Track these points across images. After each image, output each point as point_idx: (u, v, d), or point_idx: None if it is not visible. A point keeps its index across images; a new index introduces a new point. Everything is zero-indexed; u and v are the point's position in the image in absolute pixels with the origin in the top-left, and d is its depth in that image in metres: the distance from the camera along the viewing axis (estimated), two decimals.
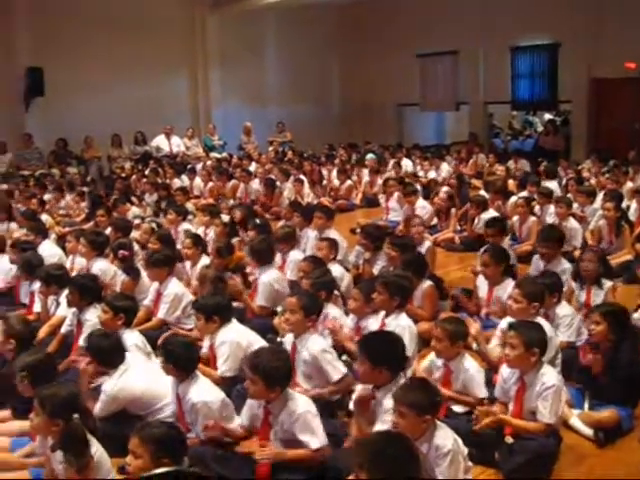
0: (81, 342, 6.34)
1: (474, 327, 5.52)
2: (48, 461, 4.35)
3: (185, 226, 10.00)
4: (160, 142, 19.08)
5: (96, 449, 4.12)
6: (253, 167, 16.73)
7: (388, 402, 4.34)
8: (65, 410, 4.09)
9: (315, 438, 4.44)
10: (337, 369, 5.38)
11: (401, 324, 5.73)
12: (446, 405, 4.97)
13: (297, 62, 22.32)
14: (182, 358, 4.90)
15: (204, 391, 4.90)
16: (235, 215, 10.12)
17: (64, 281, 6.95)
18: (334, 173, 15.76)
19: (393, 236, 8.58)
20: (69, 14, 18.24)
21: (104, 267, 7.95)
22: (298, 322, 5.45)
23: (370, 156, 17.46)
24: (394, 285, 5.92)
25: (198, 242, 8.22)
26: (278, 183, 14.25)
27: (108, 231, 9.25)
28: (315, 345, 5.40)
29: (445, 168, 16.17)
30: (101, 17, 18.59)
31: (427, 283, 7.06)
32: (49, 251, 8.90)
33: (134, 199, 13.33)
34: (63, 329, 6.72)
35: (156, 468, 3.66)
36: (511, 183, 13.80)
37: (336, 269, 7.43)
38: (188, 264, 8.19)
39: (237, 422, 4.89)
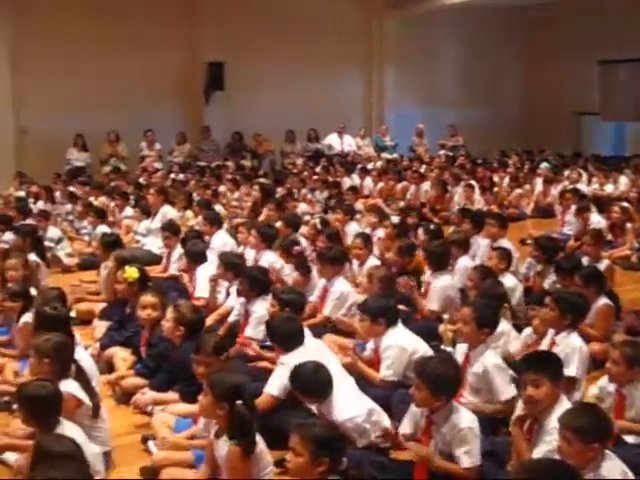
0: (247, 332, 6.46)
1: None
2: (210, 447, 4.41)
3: (352, 226, 9.97)
4: (332, 140, 19.26)
5: (258, 439, 4.17)
6: (423, 170, 16.57)
7: (550, 424, 4.15)
8: (230, 395, 4.17)
9: (468, 457, 4.29)
10: (508, 389, 5.16)
11: (572, 344, 5.42)
12: (617, 435, 4.67)
13: (472, 65, 21.96)
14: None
15: None
16: (406, 217, 10.01)
17: (241, 270, 7.08)
18: (506, 180, 15.36)
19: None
20: (251, 12, 18.75)
21: (272, 260, 8.06)
22: (471, 333, 5.28)
23: (544, 165, 16.92)
24: (566, 302, 5.60)
25: (367, 242, 8.18)
26: (449, 187, 14.03)
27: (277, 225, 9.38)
28: (489, 359, 5.22)
29: (623, 181, 15.39)
30: (281, 16, 18.99)
31: (603, 301, 6.64)
32: (222, 241, 9.13)
33: (304, 195, 13.47)
34: (231, 318, 6.87)
35: (316, 467, 3.66)
36: None
37: (509, 280, 7.18)
38: (355, 264, 8.16)
39: None
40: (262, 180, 15.05)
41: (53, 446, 3.66)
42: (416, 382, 4.44)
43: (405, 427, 4.69)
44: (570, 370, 5.16)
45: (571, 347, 5.35)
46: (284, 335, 5.41)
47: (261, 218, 11.32)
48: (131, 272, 6.73)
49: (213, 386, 4.26)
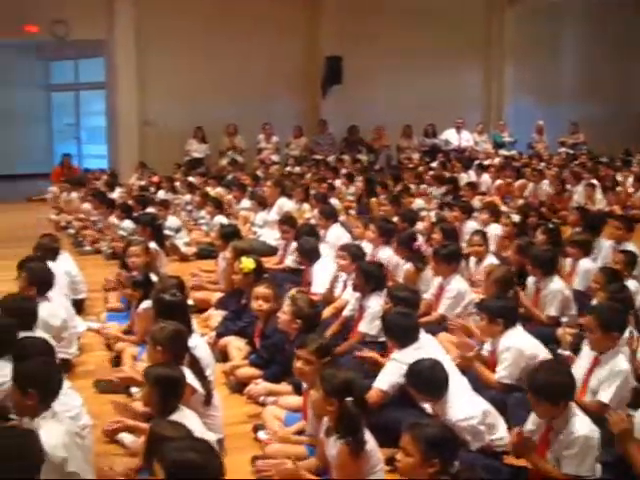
0: (361, 328, 6.42)
1: None
2: (321, 445, 4.40)
3: (470, 223, 9.77)
4: (450, 136, 19.03)
5: (368, 437, 4.13)
6: (541, 167, 16.14)
7: None
8: (341, 391, 4.14)
9: (576, 466, 4.14)
10: (608, 395, 4.90)
11: None
12: None
13: (595, 59, 21.35)
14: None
15: None
16: (527, 216, 9.76)
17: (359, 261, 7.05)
18: (629, 180, 14.80)
19: None
20: (371, 5, 18.70)
21: (389, 255, 7.99)
22: (598, 340, 5.08)
23: None
24: None
25: (485, 240, 8.00)
26: (569, 186, 13.62)
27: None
28: (621, 364, 5.01)
29: None
30: (400, 9, 18.95)
31: None
32: (337, 235, 9.12)
33: (421, 191, 13.33)
34: (345, 312, 6.83)
35: (426, 468, 3.60)
36: None
37: (631, 285, 6.88)
38: (472, 261, 8.00)
39: None
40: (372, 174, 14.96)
41: (167, 432, 3.71)
42: (531, 397, 4.32)
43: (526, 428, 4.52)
44: None
45: None
46: (399, 330, 5.35)
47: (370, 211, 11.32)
48: (247, 263, 6.79)
49: (324, 381, 4.24)
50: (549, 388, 4.22)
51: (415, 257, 7.70)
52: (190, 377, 4.68)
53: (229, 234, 8.52)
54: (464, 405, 4.73)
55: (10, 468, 3.33)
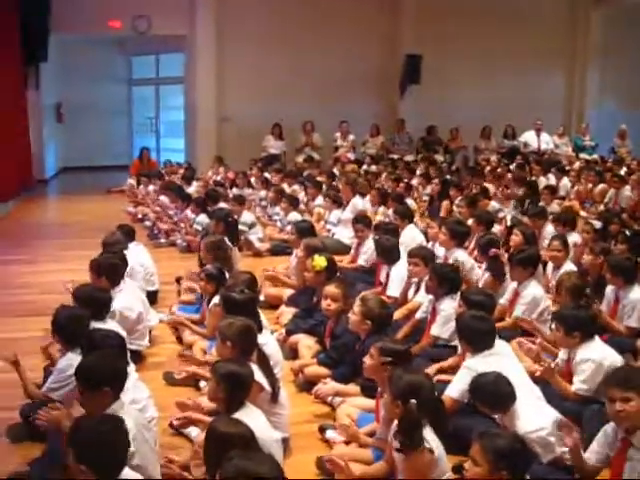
0: (433, 331, 6.31)
1: None
2: (390, 448, 4.32)
3: (549, 228, 9.51)
4: (529, 138, 18.69)
5: (437, 445, 4.04)
6: (623, 172, 15.68)
7: None
8: (406, 394, 4.08)
9: None
10: None
11: None
12: None
13: None
14: None
15: None
16: (609, 223, 9.45)
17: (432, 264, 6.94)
18: None
19: None
20: (451, 6, 18.57)
21: (463, 258, 7.85)
22: None
23: None
24: None
25: (565, 245, 7.77)
26: None
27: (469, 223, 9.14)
28: None
29: None
30: (480, 9, 18.81)
31: None
32: (412, 235, 9.01)
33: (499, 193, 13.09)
34: (418, 314, 6.72)
35: (494, 479, 3.51)
36: None
37: None
38: (550, 267, 7.80)
39: None
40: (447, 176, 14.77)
41: (228, 429, 3.67)
42: (621, 394, 4.10)
43: (593, 449, 4.34)
44: None
45: None
46: (474, 334, 5.23)
47: (441, 213, 11.13)
48: (319, 261, 6.74)
49: (392, 383, 4.20)
50: None
51: (494, 266, 7.48)
52: (258, 374, 4.64)
53: (304, 230, 8.49)
54: (533, 416, 4.60)
55: (105, 454, 3.39)
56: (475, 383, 4.69)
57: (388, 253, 7.81)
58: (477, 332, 5.23)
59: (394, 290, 7.55)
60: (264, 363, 4.81)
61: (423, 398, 4.09)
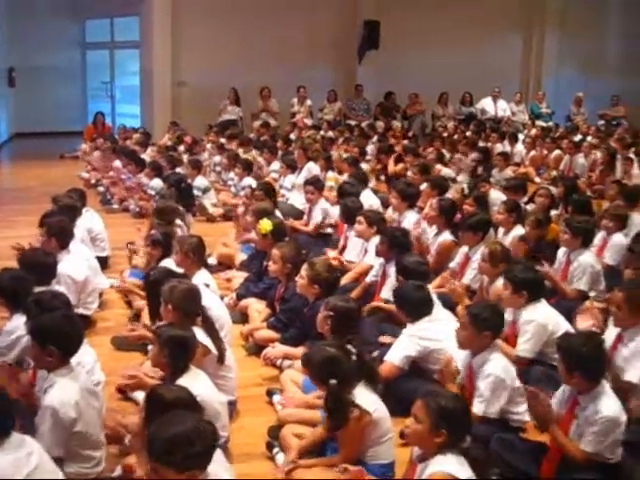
0: (383, 294, 6.33)
1: None
2: None
3: (497, 194, 9.57)
4: (486, 105, 18.74)
5: (376, 406, 4.10)
6: (578, 139, 15.82)
7: None
8: (323, 371, 4.12)
9: (594, 444, 4.02)
10: (636, 373, 4.79)
11: None
12: None
13: None
14: None
15: None
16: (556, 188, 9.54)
17: (381, 227, 6.97)
18: None
19: None
20: None
21: (415, 221, 7.87)
22: (624, 318, 4.95)
23: None
24: None
25: (513, 209, 7.80)
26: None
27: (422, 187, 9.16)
28: None
29: None
30: None
31: None
32: (367, 199, 9.01)
33: (455, 160, 13.14)
34: (368, 278, 6.74)
35: (434, 438, 3.55)
36: None
37: None
38: (501, 231, 7.84)
39: None
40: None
41: (166, 394, 3.66)
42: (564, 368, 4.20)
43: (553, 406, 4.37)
44: None
45: None
46: (412, 303, 5.30)
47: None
48: (265, 224, 6.73)
49: (305, 361, 4.30)
50: (573, 354, 4.12)
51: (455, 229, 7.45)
52: (203, 337, 4.63)
53: (267, 191, 8.52)
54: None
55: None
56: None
57: (352, 215, 7.68)
58: (414, 301, 5.30)
59: (352, 255, 7.57)
60: (209, 325, 4.78)
61: (342, 370, 4.09)
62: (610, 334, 5.11)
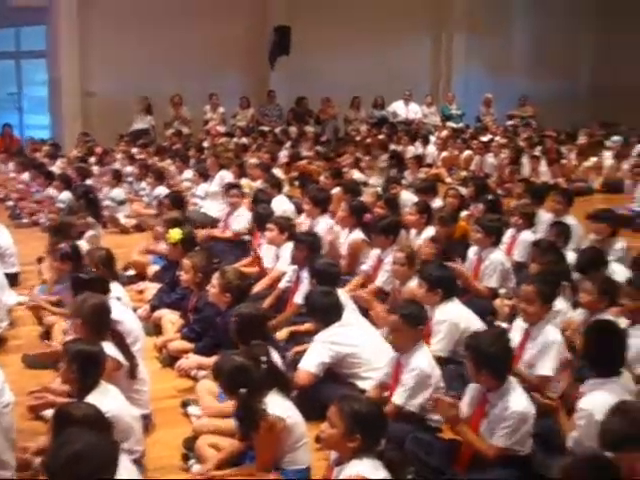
0: (297, 299, 6.34)
1: None
2: None
3: (408, 195, 9.70)
4: (397, 107, 18.92)
5: (290, 414, 4.09)
6: (487, 139, 16.15)
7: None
8: (233, 381, 4.10)
9: (504, 439, 4.11)
10: (549, 367, 4.93)
11: None
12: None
13: (548, 33, 21.18)
14: None
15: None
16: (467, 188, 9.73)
17: (293, 233, 7.00)
18: (573, 153, 14.91)
19: None
20: None
21: (329, 225, 7.91)
22: (535, 312, 5.07)
23: (616, 138, 16.35)
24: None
25: (424, 210, 7.93)
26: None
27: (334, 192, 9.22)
28: (552, 334, 5.03)
29: None
30: None
31: None
32: (281, 205, 9.01)
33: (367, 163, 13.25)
34: (281, 284, 6.74)
35: (348, 442, 3.57)
36: None
37: (569, 256, 6.90)
38: (413, 233, 7.94)
39: None
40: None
41: (74, 411, 3.59)
42: (466, 355, 4.32)
43: (464, 402, 4.46)
44: None
45: None
46: (322, 310, 5.34)
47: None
48: (174, 234, 6.69)
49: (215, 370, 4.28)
50: (481, 353, 4.19)
51: (365, 231, 7.55)
52: (113, 351, 4.55)
53: (175, 200, 8.42)
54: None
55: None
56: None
57: (264, 222, 7.68)
58: (323, 307, 5.34)
59: (266, 261, 7.52)
60: (119, 339, 4.71)
61: (252, 379, 4.08)
62: (516, 330, 5.23)
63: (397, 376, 4.74)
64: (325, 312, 5.30)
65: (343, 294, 5.92)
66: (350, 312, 5.53)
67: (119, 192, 10.89)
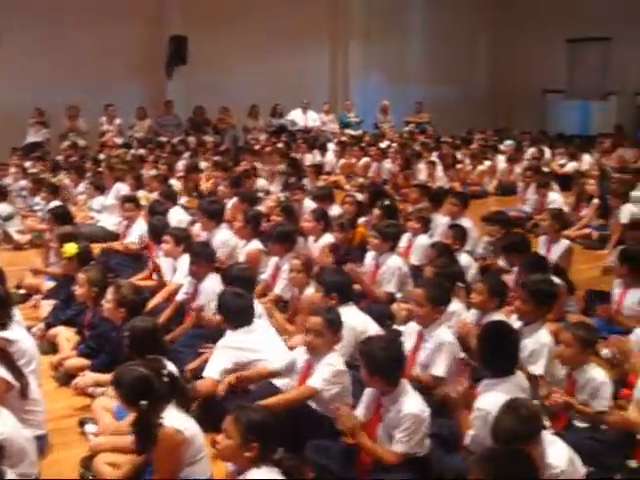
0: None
1: None
2: None
3: (308, 202, 9.75)
4: (296, 116, 19.01)
5: (187, 426, 4.01)
6: (384, 146, 16.41)
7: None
8: (134, 392, 3.99)
9: (401, 444, 4.17)
10: (442, 368, 5.06)
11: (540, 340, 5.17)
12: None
13: (443, 41, 21.68)
14: None
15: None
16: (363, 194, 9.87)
17: (189, 245, 6.94)
18: (468, 158, 15.30)
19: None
20: None
21: (226, 237, 7.88)
22: (426, 314, 5.19)
23: (508, 142, 16.88)
24: (539, 293, 5.36)
25: (321, 217, 7.99)
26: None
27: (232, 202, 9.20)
28: (445, 335, 5.16)
29: (587, 160, 15.35)
30: None
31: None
32: (178, 217, 8.94)
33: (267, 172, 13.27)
34: (179, 296, 6.67)
35: (244, 451, 3.57)
36: None
37: (463, 259, 7.09)
38: (311, 240, 7.99)
39: None
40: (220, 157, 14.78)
41: None
42: (365, 372, 4.34)
43: (361, 406, 4.50)
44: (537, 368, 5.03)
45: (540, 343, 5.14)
46: (234, 311, 5.30)
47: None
48: (69, 248, 6.56)
49: (117, 385, 4.12)
50: (371, 357, 4.24)
51: (262, 239, 7.61)
52: (2, 371, 4.42)
53: (58, 216, 8.21)
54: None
55: None
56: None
57: (159, 234, 7.58)
58: (234, 309, 5.30)
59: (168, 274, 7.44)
60: (9, 360, 4.56)
61: (154, 390, 4.00)
62: (410, 332, 5.34)
63: (306, 375, 4.77)
64: (236, 314, 5.27)
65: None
66: (258, 318, 5.51)
67: (5, 207, 10.55)
